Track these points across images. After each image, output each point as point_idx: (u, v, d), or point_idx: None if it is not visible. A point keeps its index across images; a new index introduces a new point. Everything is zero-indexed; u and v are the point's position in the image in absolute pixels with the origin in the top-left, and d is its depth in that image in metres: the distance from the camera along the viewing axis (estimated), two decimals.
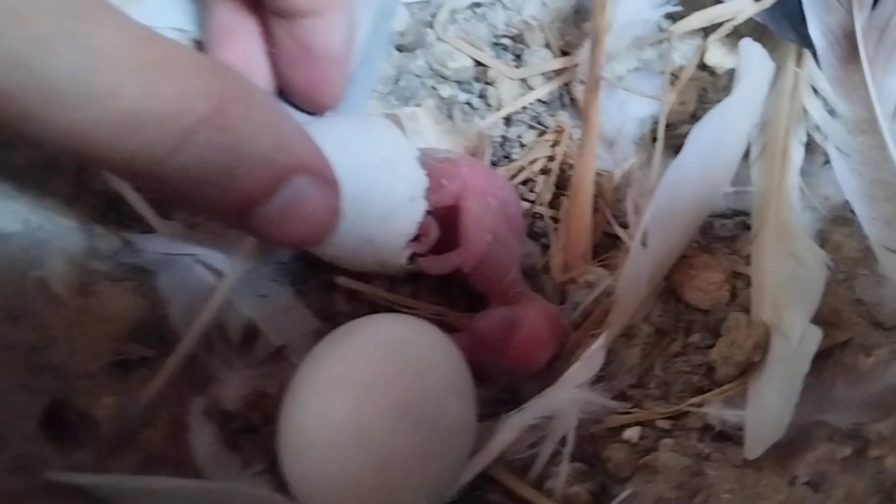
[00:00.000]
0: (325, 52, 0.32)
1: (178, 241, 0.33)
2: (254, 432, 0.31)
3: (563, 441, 0.30)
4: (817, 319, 0.31)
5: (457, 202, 0.33)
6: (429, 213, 0.32)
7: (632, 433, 0.31)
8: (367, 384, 0.26)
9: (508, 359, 0.31)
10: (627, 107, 0.39)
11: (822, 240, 0.35)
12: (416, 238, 0.32)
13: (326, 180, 0.27)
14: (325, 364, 0.26)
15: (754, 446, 0.29)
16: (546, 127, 0.39)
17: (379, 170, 0.31)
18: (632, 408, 0.32)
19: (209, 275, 0.34)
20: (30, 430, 0.28)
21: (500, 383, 0.32)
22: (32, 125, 0.22)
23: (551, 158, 0.38)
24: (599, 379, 0.31)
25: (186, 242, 0.34)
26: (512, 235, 0.34)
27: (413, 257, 0.32)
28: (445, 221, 0.33)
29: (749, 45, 0.36)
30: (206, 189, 0.25)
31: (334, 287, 0.35)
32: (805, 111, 0.36)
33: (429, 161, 0.32)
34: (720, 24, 0.37)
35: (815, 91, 0.36)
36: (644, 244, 0.33)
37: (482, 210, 0.33)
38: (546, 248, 0.36)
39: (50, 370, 0.30)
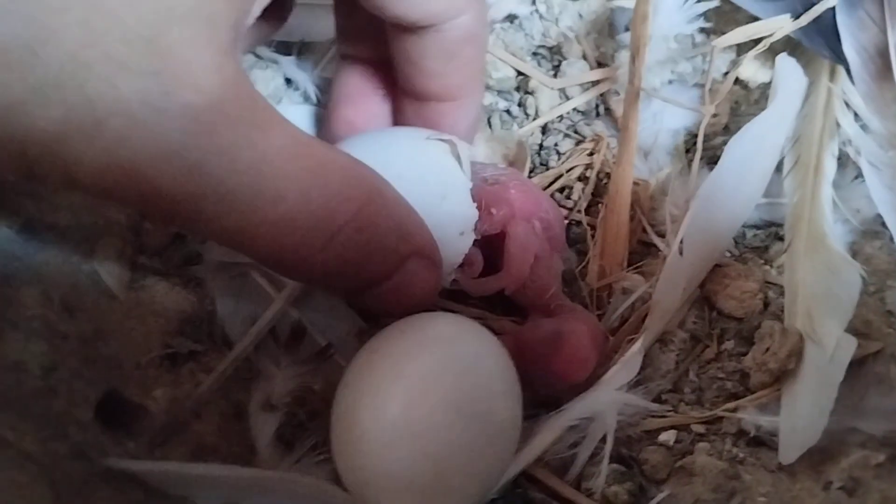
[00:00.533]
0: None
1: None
2: (300, 427, 0.31)
3: (602, 442, 0.30)
4: (849, 330, 0.32)
5: (503, 228, 0.33)
6: (476, 241, 0.32)
7: (667, 436, 0.32)
8: (421, 379, 0.26)
9: (552, 372, 0.32)
10: (662, 118, 0.40)
11: (854, 252, 0.35)
12: (461, 265, 0.32)
13: (434, 262, 0.30)
14: (379, 359, 0.27)
15: (789, 451, 0.30)
16: (582, 136, 0.40)
17: (433, 203, 0.31)
18: (667, 412, 0.32)
19: (263, 281, 0.34)
20: (86, 419, 0.29)
21: (539, 392, 0.32)
22: (200, 223, 0.23)
23: (589, 166, 0.39)
24: (636, 383, 0.32)
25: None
26: (554, 255, 0.35)
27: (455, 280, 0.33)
28: (490, 243, 0.33)
29: (784, 61, 0.37)
30: (337, 278, 0.27)
31: None
32: (838, 126, 0.37)
33: (478, 185, 0.33)
34: (757, 41, 0.38)
35: (848, 106, 0.37)
36: (680, 252, 0.34)
37: (526, 236, 0.33)
38: (582, 254, 0.37)
39: (103, 361, 0.31)
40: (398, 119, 0.35)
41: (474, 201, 0.32)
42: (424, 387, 0.26)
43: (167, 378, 0.32)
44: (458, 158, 0.31)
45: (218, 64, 0.22)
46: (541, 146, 0.41)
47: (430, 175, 0.31)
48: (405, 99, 0.34)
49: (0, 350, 0.28)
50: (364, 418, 0.26)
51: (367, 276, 0.28)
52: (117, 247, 0.34)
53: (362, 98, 0.35)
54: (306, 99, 0.40)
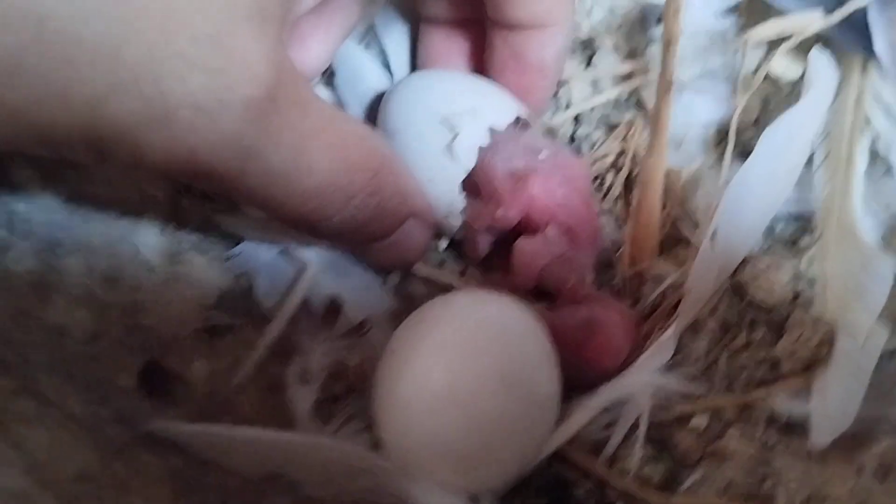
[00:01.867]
0: (536, 62, 0.35)
1: (262, 224, 0.34)
2: (336, 401, 0.32)
3: (635, 424, 0.30)
4: (879, 322, 0.32)
5: (513, 226, 0.34)
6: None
7: (699, 421, 0.32)
8: (466, 348, 0.27)
9: (584, 359, 0.32)
10: (693, 111, 0.40)
11: (884, 245, 0.36)
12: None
13: (427, 222, 0.34)
14: (425, 328, 0.27)
15: (821, 437, 0.30)
16: (614, 126, 0.41)
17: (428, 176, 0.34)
18: (699, 397, 0.33)
19: (292, 262, 0.35)
20: (127, 386, 0.29)
21: (572, 378, 0.33)
22: (238, 192, 0.26)
23: (622, 153, 0.39)
24: (668, 368, 0.32)
25: (270, 228, 0.35)
26: (577, 252, 0.35)
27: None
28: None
29: (817, 55, 0.37)
30: (347, 234, 0.30)
31: (410, 274, 0.36)
32: (869, 121, 0.37)
33: (500, 178, 0.33)
34: (788, 36, 0.38)
35: (879, 102, 0.38)
36: (713, 242, 0.34)
37: (534, 249, 0.34)
38: (615, 242, 0.37)
39: (143, 332, 0.31)
40: (487, 50, 0.36)
41: (484, 191, 0.33)
42: (469, 356, 0.27)
43: (206, 350, 0.32)
44: (450, 150, 0.33)
45: (271, 56, 0.24)
46: (573, 136, 0.41)
47: (432, 155, 0.33)
48: (494, 28, 0.35)
49: (45, 314, 0.29)
50: (409, 386, 0.26)
51: (372, 234, 0.31)
52: (157, 222, 0.34)
53: (444, 58, 0.37)
54: (328, 84, 0.41)
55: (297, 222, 0.29)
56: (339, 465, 0.27)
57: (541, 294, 0.36)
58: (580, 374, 0.32)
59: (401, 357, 0.27)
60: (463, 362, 0.27)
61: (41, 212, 0.31)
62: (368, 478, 0.27)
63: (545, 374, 0.28)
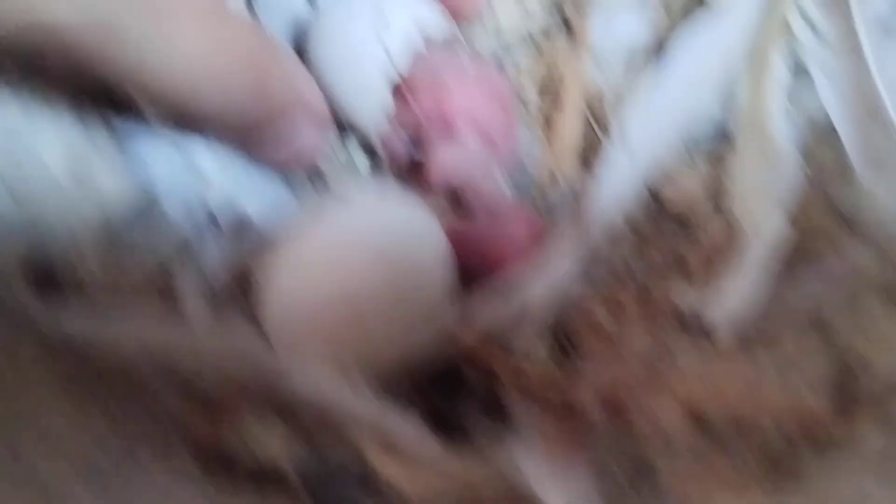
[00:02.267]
0: None
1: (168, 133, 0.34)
2: (234, 302, 0.31)
3: (537, 319, 0.30)
4: (789, 222, 0.32)
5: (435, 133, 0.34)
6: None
7: (601, 317, 0.32)
8: (352, 241, 0.27)
9: (489, 261, 0.32)
10: (617, 29, 0.40)
11: (803, 154, 0.35)
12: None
13: (319, 118, 0.32)
14: (313, 225, 0.28)
15: (721, 330, 0.30)
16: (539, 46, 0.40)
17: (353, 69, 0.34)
18: (603, 294, 0.32)
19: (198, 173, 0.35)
20: (19, 286, 0.29)
21: (476, 283, 0.33)
22: (107, 75, 0.26)
23: (546, 72, 0.39)
24: (575, 267, 0.32)
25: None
26: (495, 159, 0.35)
27: None
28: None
29: None
30: (229, 125, 0.30)
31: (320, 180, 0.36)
32: (790, 31, 0.37)
33: (419, 79, 0.33)
34: None
35: (801, 12, 0.37)
36: (626, 148, 0.34)
37: (451, 154, 0.34)
38: (533, 156, 0.37)
39: (42, 241, 0.31)
40: None
41: (406, 94, 0.33)
42: (355, 247, 0.27)
43: (105, 258, 0.32)
44: (382, 45, 0.33)
45: None
46: (498, 56, 0.41)
47: (358, 45, 0.33)
48: None
49: None
50: (292, 278, 0.27)
51: (256, 125, 0.30)
52: (63, 135, 0.34)
53: None
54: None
55: (173, 110, 0.28)
56: (226, 353, 0.27)
57: (454, 202, 0.36)
58: (487, 279, 0.32)
59: (286, 250, 0.27)
60: (348, 253, 0.27)
61: None
62: (254, 364, 0.27)
63: (436, 271, 0.28)
